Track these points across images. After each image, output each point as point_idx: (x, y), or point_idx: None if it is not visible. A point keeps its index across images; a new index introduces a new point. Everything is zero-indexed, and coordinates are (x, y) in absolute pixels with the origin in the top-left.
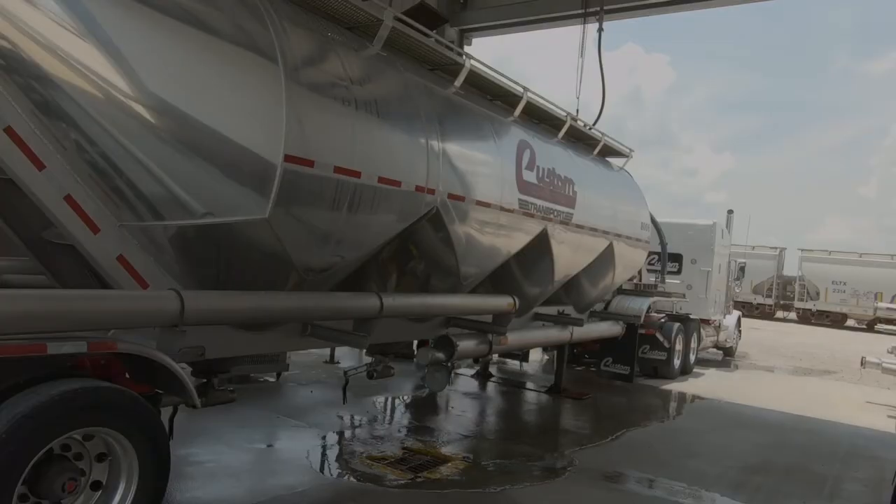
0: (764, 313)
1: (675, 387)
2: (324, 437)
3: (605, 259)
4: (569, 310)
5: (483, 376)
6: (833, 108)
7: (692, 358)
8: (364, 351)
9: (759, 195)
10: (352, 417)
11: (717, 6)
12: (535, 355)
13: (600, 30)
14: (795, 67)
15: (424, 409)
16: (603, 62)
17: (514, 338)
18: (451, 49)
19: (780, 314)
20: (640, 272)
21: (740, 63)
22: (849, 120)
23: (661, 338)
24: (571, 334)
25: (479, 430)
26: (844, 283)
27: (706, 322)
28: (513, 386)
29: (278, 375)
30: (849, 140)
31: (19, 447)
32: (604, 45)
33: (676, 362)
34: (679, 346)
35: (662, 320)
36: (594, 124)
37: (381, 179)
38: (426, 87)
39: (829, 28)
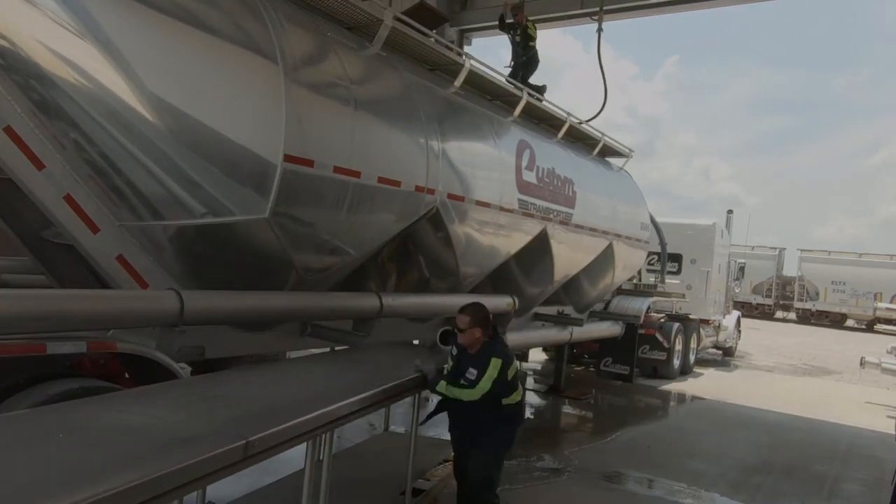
0: (763, 313)
1: (674, 387)
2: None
3: (605, 259)
4: (568, 310)
5: None
6: (840, 113)
7: (692, 358)
8: None
9: (760, 195)
10: None
11: (718, 6)
12: (535, 355)
13: (599, 30)
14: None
15: (422, 409)
16: (603, 63)
17: (513, 338)
18: (451, 49)
19: (779, 314)
20: (639, 272)
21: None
22: (853, 124)
23: (660, 338)
24: (571, 334)
25: None
26: (844, 284)
27: (706, 322)
28: None
29: None
30: (854, 143)
31: None
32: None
33: (676, 362)
34: (679, 346)
35: (662, 320)
36: (591, 119)
37: (380, 179)
38: (426, 87)
39: (826, 30)
